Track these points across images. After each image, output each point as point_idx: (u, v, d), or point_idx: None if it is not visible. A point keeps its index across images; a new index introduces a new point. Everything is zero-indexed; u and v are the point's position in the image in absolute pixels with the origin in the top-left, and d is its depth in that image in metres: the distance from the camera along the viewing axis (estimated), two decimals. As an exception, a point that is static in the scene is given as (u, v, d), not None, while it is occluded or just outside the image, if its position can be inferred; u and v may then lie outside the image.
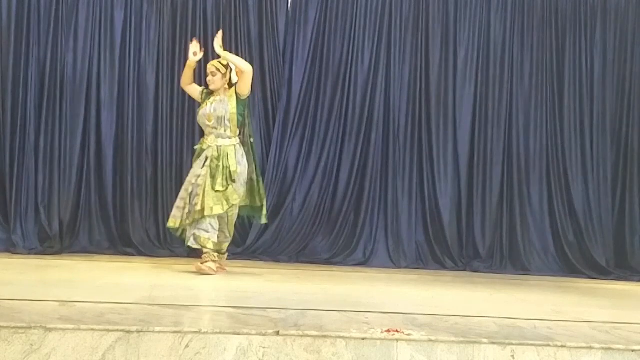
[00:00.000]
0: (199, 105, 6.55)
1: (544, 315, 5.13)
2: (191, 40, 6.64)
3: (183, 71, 6.69)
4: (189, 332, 3.85)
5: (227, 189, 6.23)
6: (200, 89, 6.62)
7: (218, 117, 6.33)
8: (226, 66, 6.45)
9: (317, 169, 8.19)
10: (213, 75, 6.42)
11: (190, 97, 7.82)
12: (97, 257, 7.28)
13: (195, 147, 6.54)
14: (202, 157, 6.34)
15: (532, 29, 8.53)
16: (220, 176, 6.22)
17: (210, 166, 6.26)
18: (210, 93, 6.50)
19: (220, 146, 6.32)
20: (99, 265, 6.77)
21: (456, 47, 8.41)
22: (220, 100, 6.38)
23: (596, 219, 8.47)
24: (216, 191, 6.20)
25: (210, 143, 6.35)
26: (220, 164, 6.25)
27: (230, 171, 6.23)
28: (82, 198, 7.64)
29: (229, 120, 6.32)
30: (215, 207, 6.19)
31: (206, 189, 6.20)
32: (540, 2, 8.54)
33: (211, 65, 6.47)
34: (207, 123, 6.37)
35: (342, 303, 5.18)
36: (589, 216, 8.46)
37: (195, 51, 6.49)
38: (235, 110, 6.33)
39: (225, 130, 6.35)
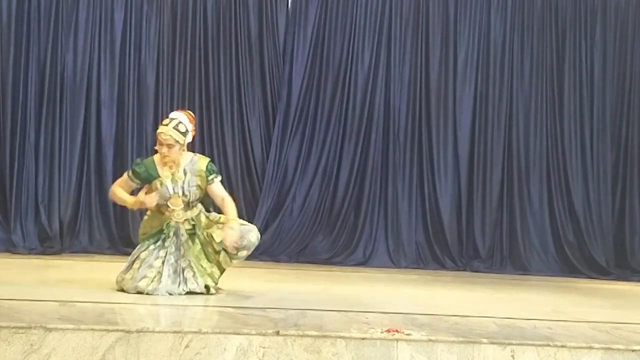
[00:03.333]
0: (149, 183, 5.15)
1: (544, 315, 5.12)
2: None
3: (121, 196, 5.26)
4: (189, 332, 3.85)
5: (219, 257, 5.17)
6: (130, 179, 5.19)
7: (186, 201, 5.14)
8: (184, 132, 5.09)
9: (317, 169, 8.20)
10: (170, 148, 5.04)
11: (189, 97, 7.84)
12: (97, 257, 7.28)
13: (162, 228, 5.15)
14: (171, 236, 5.13)
15: (532, 29, 8.53)
16: (208, 247, 5.16)
17: (187, 241, 5.15)
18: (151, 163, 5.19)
19: (196, 215, 5.21)
20: (99, 265, 6.76)
21: (456, 47, 8.41)
22: (188, 178, 5.13)
23: (596, 219, 8.46)
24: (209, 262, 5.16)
25: (178, 218, 5.14)
26: (200, 234, 5.17)
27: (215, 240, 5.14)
28: (82, 198, 7.66)
29: (196, 200, 5.20)
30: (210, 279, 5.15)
31: (198, 267, 5.12)
32: (540, 2, 8.54)
33: (166, 135, 5.02)
34: (173, 207, 5.12)
35: (342, 303, 5.17)
36: (589, 216, 8.46)
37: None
38: (202, 193, 5.20)
39: (191, 204, 5.18)
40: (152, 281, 4.98)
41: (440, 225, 8.28)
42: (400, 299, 5.83)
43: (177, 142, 5.05)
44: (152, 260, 5.07)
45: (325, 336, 3.95)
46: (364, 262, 8.02)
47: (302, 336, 3.93)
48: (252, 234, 5.17)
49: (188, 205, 5.16)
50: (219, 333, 3.87)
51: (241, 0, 8.05)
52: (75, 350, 3.71)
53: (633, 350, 4.15)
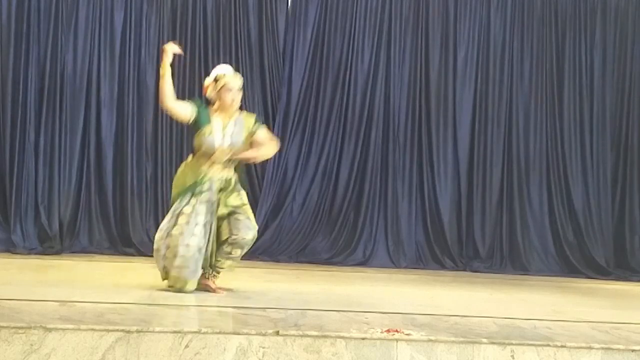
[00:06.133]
0: (197, 126, 5.18)
1: (543, 315, 5.13)
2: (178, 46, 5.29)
3: (161, 84, 5.27)
4: (188, 332, 3.85)
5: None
6: (191, 105, 5.24)
7: (230, 154, 5.19)
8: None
9: (317, 169, 8.19)
10: (239, 92, 5.24)
11: (189, 97, 7.85)
12: (97, 257, 7.28)
13: (196, 181, 5.13)
14: (209, 192, 5.14)
15: (532, 28, 8.53)
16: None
17: (216, 201, 5.19)
18: (208, 108, 5.26)
19: (229, 178, 5.24)
20: (99, 265, 6.76)
21: (456, 47, 8.41)
22: (237, 132, 5.21)
23: (596, 219, 8.47)
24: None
25: (216, 174, 5.18)
26: (229, 196, 5.20)
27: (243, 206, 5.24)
28: (82, 198, 7.65)
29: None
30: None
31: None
32: (540, 2, 8.54)
33: (239, 79, 5.27)
34: (216, 160, 5.16)
35: (342, 303, 5.18)
36: (588, 216, 8.46)
37: (175, 52, 5.23)
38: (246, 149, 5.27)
39: (231, 162, 5.25)
40: (199, 239, 5.02)
41: (440, 225, 8.28)
42: (400, 299, 5.83)
43: (242, 89, 5.28)
44: (198, 218, 5.08)
45: (325, 336, 3.95)
46: (364, 262, 8.02)
47: (302, 336, 3.94)
48: (249, 232, 5.21)
49: (230, 162, 5.18)
50: (219, 333, 3.88)
51: (241, 1, 8.05)
52: (75, 350, 3.71)
53: (633, 350, 4.15)
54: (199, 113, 5.19)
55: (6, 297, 4.46)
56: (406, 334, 4.06)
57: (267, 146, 5.35)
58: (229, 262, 5.28)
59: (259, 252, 7.85)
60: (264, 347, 3.87)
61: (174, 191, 5.26)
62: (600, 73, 8.60)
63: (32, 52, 7.55)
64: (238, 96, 5.20)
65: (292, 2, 8.23)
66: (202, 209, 5.12)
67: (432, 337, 4.06)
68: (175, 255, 5.04)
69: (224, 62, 8.00)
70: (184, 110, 5.19)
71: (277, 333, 3.92)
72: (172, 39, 7.87)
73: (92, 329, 3.77)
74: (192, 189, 5.13)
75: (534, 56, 8.53)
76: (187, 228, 5.05)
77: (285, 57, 8.22)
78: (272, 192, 8.04)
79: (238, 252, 5.23)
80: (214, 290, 5.19)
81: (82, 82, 7.69)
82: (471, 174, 8.39)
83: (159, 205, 7.76)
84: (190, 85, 7.93)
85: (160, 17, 7.88)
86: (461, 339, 4.08)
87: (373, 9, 8.32)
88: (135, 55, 7.80)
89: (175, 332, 3.84)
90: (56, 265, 6.58)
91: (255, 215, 7.87)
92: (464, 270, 8.13)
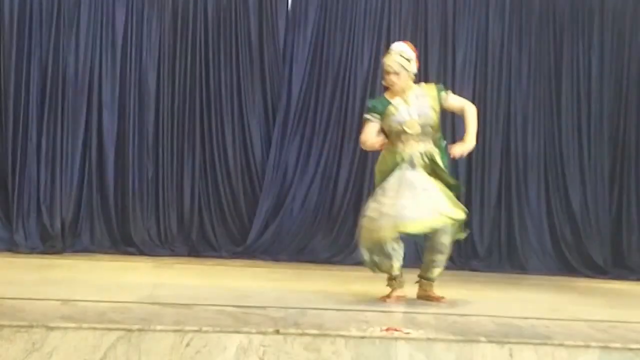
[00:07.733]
0: (383, 115, 5.19)
1: (541, 313, 5.15)
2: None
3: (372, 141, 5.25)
4: (189, 331, 3.87)
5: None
6: (373, 116, 5.22)
7: (421, 125, 5.14)
8: (409, 59, 5.20)
9: (317, 169, 8.21)
10: (397, 75, 5.18)
11: (189, 97, 7.89)
12: (99, 257, 7.31)
13: (396, 161, 5.14)
14: (411, 170, 5.11)
15: (530, 30, 8.54)
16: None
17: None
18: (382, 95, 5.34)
19: (430, 152, 5.18)
20: (100, 265, 6.79)
21: (454, 48, 8.41)
22: (423, 104, 5.21)
23: (593, 219, 8.48)
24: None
25: (414, 150, 5.14)
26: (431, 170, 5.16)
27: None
28: (84, 198, 7.68)
29: (430, 126, 5.19)
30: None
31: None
32: (538, 4, 8.55)
33: (391, 61, 5.18)
34: (409, 132, 5.12)
35: (342, 302, 5.20)
36: (586, 215, 8.48)
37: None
38: (437, 117, 5.25)
39: (426, 131, 5.18)
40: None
41: (439, 224, 8.28)
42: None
43: (403, 67, 5.14)
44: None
45: (324, 335, 3.98)
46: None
47: (302, 335, 3.96)
48: (446, 236, 5.12)
49: (423, 134, 5.13)
50: (220, 332, 3.90)
51: (241, 1, 8.07)
52: (76, 349, 3.73)
53: (630, 349, 4.17)
54: (374, 106, 5.22)
55: (8, 296, 4.49)
56: (405, 333, 4.09)
57: (468, 117, 5.26)
58: (437, 270, 5.27)
59: (259, 252, 7.89)
60: (264, 346, 3.89)
61: (378, 176, 5.27)
62: (598, 74, 8.61)
63: (34, 54, 7.58)
64: (393, 77, 5.14)
65: (292, 2, 8.25)
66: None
67: (431, 336, 4.08)
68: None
69: (224, 63, 8.09)
70: (374, 129, 5.20)
71: (277, 332, 3.94)
72: (174, 40, 7.95)
73: (94, 328, 3.79)
74: (393, 170, 5.12)
75: (532, 57, 8.54)
76: (398, 201, 4.99)
77: (285, 57, 8.24)
78: (272, 192, 8.06)
79: (439, 258, 5.21)
80: (436, 299, 5.26)
81: (84, 83, 7.71)
82: (469, 173, 8.40)
83: (160, 205, 7.79)
84: (190, 87, 7.96)
85: (161, 19, 7.91)
86: (460, 338, 4.10)
87: (373, 9, 8.33)
88: (137, 57, 7.83)
89: (176, 330, 3.87)
90: (58, 265, 6.61)
91: (255, 214, 7.98)
92: (463, 269, 8.14)
